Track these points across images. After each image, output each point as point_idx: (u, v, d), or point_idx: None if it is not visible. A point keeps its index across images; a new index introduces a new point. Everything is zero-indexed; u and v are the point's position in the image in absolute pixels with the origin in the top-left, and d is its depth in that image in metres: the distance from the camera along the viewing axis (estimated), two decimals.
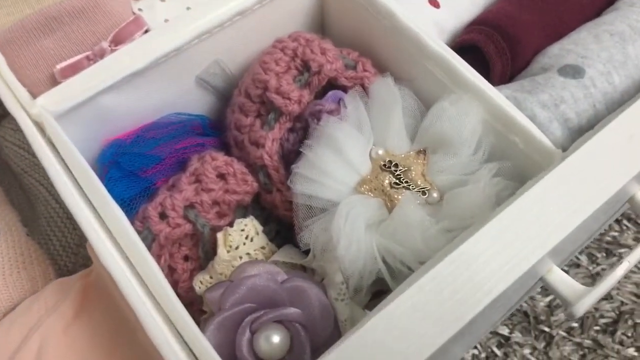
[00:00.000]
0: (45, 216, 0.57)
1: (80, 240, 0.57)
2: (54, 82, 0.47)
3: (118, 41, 0.48)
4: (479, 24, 0.49)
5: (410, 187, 0.43)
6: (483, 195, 0.40)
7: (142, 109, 0.48)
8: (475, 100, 0.43)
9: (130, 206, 0.44)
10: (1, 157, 0.63)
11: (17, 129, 0.61)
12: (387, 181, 0.44)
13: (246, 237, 0.46)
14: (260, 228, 0.47)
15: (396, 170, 0.44)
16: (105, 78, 0.43)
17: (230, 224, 0.46)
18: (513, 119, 0.42)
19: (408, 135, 0.46)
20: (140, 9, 0.51)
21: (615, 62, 0.45)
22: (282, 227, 0.50)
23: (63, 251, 0.56)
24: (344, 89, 0.49)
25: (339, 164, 0.43)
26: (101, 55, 0.47)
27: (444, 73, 0.45)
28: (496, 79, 0.48)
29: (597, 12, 0.51)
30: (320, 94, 0.49)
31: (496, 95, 0.43)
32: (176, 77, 0.48)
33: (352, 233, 0.40)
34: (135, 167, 0.45)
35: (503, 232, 0.36)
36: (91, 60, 0.47)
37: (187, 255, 0.46)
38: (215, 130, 0.53)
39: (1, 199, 0.59)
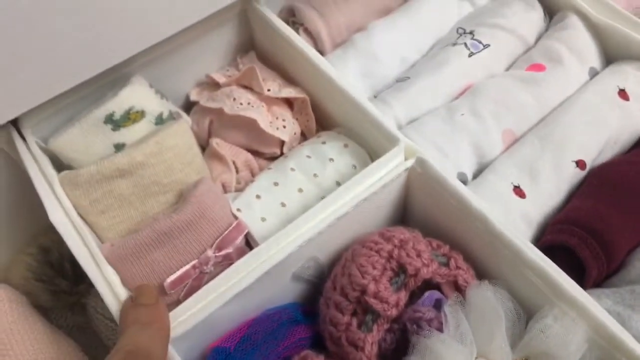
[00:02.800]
0: None
1: None
2: (162, 291, 0.49)
3: (221, 248, 0.50)
4: (571, 223, 0.50)
5: None
6: None
7: (243, 313, 0.50)
8: (580, 318, 0.44)
9: None
10: (90, 325, 0.65)
11: None
12: None
13: None
14: None
15: None
16: (216, 299, 0.45)
17: None
18: (619, 339, 0.42)
19: (509, 341, 0.47)
20: (238, 209, 0.53)
21: None
22: None
23: None
24: (438, 286, 0.51)
25: None
26: (206, 263, 0.49)
27: (544, 283, 0.46)
28: (590, 283, 0.48)
29: None
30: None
31: (600, 312, 0.43)
32: (275, 279, 0.50)
33: None
34: None
35: None
36: (197, 268, 0.49)
37: None
38: (306, 315, 0.55)
39: None
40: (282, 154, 0.62)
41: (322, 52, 0.69)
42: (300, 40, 0.61)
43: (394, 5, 0.72)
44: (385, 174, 0.53)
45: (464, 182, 0.57)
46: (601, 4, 0.64)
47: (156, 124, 0.58)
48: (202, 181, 0.52)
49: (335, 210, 0.50)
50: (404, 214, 0.59)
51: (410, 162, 0.53)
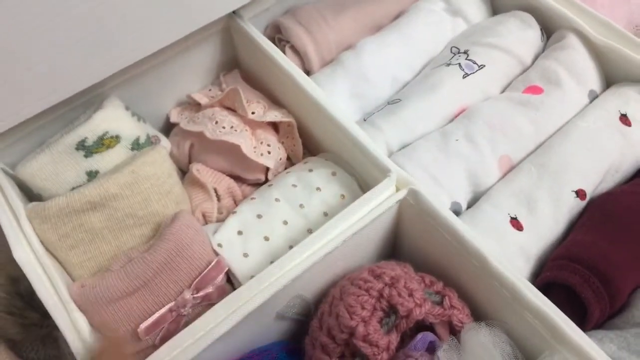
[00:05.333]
0: None
1: None
2: (137, 337, 0.45)
3: (200, 288, 0.47)
4: (572, 259, 0.47)
5: None
6: None
7: (223, 356, 0.46)
8: None
9: None
10: (62, 359, 0.62)
11: None
12: None
13: None
14: None
15: None
16: (193, 345, 0.42)
17: None
18: None
19: None
20: (219, 244, 0.50)
21: None
22: None
23: None
24: (431, 325, 0.48)
25: None
26: (183, 305, 0.46)
27: (544, 327, 0.43)
28: (592, 324, 0.46)
29: None
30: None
31: (603, 358, 0.41)
32: (258, 320, 0.47)
33: None
34: None
35: None
36: (173, 311, 0.46)
37: None
38: (291, 353, 0.51)
39: None
40: (267, 180, 0.59)
41: (309, 71, 0.66)
42: (285, 60, 0.57)
43: (385, 22, 0.69)
44: (375, 207, 0.50)
45: (458, 212, 0.54)
46: (601, 24, 0.61)
47: (132, 149, 0.55)
48: (179, 215, 0.49)
49: (322, 247, 0.47)
50: (395, 246, 0.56)
51: (402, 194, 0.50)
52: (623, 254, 0.47)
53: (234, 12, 0.61)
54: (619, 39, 0.60)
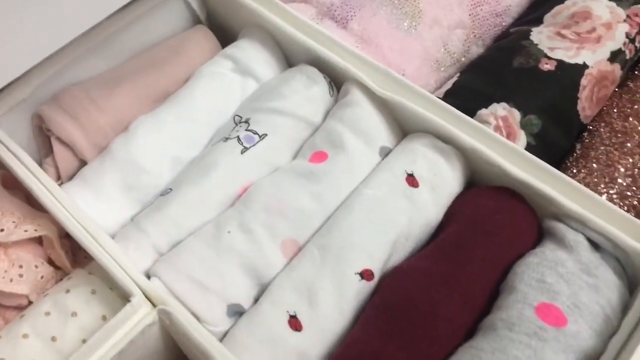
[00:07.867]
0: None
1: None
2: None
3: None
4: None
5: None
6: None
7: None
8: None
9: None
10: None
11: None
12: None
13: None
14: None
15: None
16: None
17: None
18: None
19: None
20: None
21: None
22: None
23: None
24: None
25: None
26: None
27: None
28: None
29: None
30: None
31: None
32: None
33: None
34: None
35: None
36: None
37: None
38: None
39: None
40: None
41: (85, 162, 0.59)
42: (25, 173, 0.51)
43: (172, 90, 0.63)
44: (130, 329, 0.44)
45: (241, 313, 0.49)
46: (384, 75, 0.56)
47: None
48: None
49: None
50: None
51: (152, 317, 0.44)
52: (394, 352, 0.42)
53: None
54: (401, 88, 0.55)
